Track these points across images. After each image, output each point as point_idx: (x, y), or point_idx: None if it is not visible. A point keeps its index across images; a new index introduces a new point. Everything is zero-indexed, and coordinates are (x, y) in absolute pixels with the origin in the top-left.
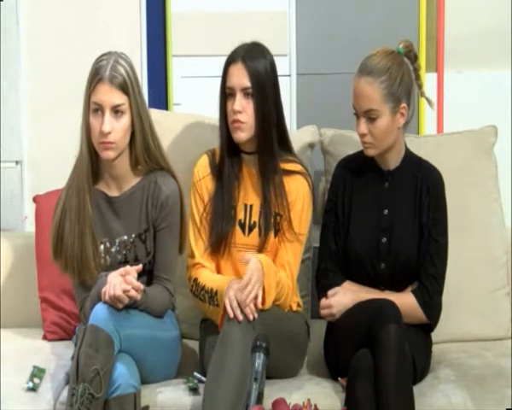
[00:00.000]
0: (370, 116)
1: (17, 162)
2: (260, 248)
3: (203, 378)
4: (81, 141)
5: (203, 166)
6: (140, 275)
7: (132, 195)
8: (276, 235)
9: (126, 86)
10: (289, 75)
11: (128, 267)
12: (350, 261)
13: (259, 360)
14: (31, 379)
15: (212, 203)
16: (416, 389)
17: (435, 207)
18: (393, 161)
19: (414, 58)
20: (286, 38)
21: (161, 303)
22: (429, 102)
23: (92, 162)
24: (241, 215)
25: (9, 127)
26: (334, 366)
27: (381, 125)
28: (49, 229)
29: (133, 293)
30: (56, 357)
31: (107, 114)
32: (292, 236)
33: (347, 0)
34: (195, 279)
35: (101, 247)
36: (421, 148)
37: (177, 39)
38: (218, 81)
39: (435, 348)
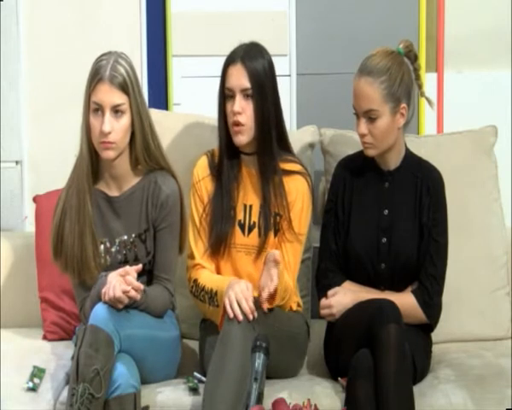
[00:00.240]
0: (370, 116)
1: (17, 162)
2: (260, 249)
3: (203, 378)
4: (81, 141)
5: (202, 167)
6: (140, 275)
7: (132, 194)
8: (275, 235)
9: (126, 86)
10: (289, 75)
11: (128, 267)
12: (350, 261)
13: (259, 360)
14: (31, 379)
15: (212, 204)
16: (416, 389)
17: (435, 207)
18: (393, 161)
19: (414, 58)
20: (286, 38)
21: (161, 303)
22: (429, 102)
23: (92, 162)
24: (240, 216)
25: (9, 127)
26: (334, 366)
27: (381, 126)
28: (49, 229)
29: (133, 293)
30: (56, 357)
31: (108, 113)
32: (292, 236)
33: (347, 0)
34: (195, 280)
35: (101, 247)
36: (421, 148)
37: (177, 39)
38: (218, 81)
39: (435, 348)
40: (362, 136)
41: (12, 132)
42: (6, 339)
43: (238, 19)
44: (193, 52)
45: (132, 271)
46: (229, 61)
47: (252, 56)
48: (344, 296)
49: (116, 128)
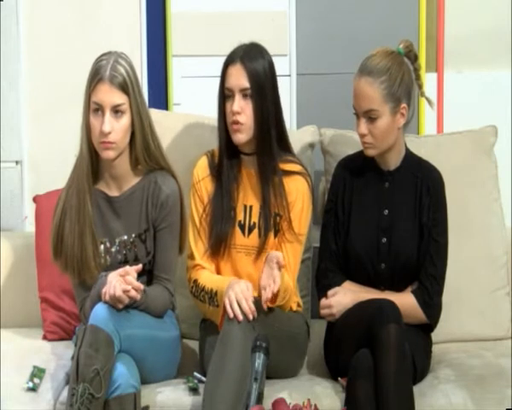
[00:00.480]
0: (370, 116)
1: (17, 162)
2: (260, 250)
3: (203, 378)
4: (81, 141)
5: (202, 168)
6: (140, 275)
7: (132, 194)
8: (275, 235)
9: (126, 86)
10: (289, 75)
11: (127, 267)
12: (350, 261)
13: (259, 360)
14: (31, 379)
15: (212, 204)
16: (416, 389)
17: (435, 207)
18: (393, 162)
19: (414, 58)
20: (286, 38)
21: (161, 303)
22: (429, 102)
23: (92, 162)
24: (240, 216)
25: (9, 127)
26: (334, 366)
27: (381, 126)
28: (49, 229)
29: (133, 293)
30: (56, 357)
31: (108, 113)
32: (292, 236)
33: (347, 0)
34: (195, 281)
35: (102, 247)
36: (421, 148)
37: (177, 39)
38: (218, 81)
39: (435, 348)
40: (362, 136)
41: (12, 132)
42: (6, 339)
43: (238, 19)
44: (193, 52)
45: (132, 271)
46: (229, 61)
47: (251, 57)
48: (344, 296)
49: (116, 128)
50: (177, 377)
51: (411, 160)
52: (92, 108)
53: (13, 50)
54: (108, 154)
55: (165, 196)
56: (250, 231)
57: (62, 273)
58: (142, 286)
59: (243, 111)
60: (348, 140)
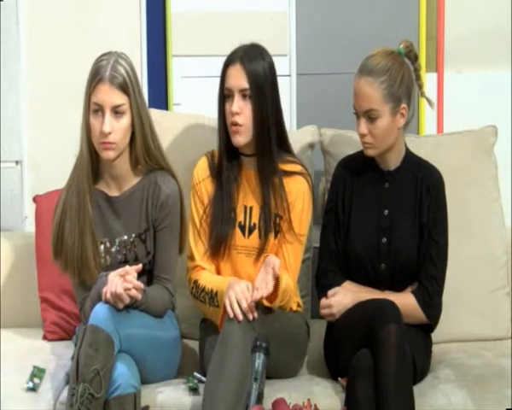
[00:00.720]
0: (370, 116)
1: (17, 162)
2: (260, 251)
3: (203, 378)
4: (81, 141)
5: (202, 169)
6: (140, 275)
7: (132, 194)
8: (276, 236)
9: (126, 86)
10: (289, 75)
11: (127, 267)
12: (350, 261)
13: (259, 360)
14: (31, 379)
15: (212, 206)
16: (416, 389)
17: (435, 207)
18: (393, 162)
19: (414, 58)
20: (286, 38)
21: (161, 303)
22: (430, 102)
23: (92, 162)
24: (240, 217)
25: (9, 127)
26: (334, 366)
27: (381, 126)
28: (49, 229)
29: (134, 292)
30: (56, 357)
31: (108, 114)
32: (292, 237)
33: (347, 0)
34: (195, 281)
35: (102, 247)
36: (421, 148)
37: (177, 39)
38: (218, 81)
39: (435, 348)
40: (362, 136)
41: (12, 132)
42: (6, 339)
43: (238, 19)
44: (193, 52)
45: (132, 270)
46: (229, 62)
47: (251, 57)
48: (344, 296)
49: (116, 128)
50: (177, 377)
51: (411, 160)
52: (92, 109)
53: (13, 50)
54: (108, 154)
55: (165, 196)
56: (250, 232)
57: (62, 273)
58: (142, 285)
59: (242, 112)
60: (348, 140)
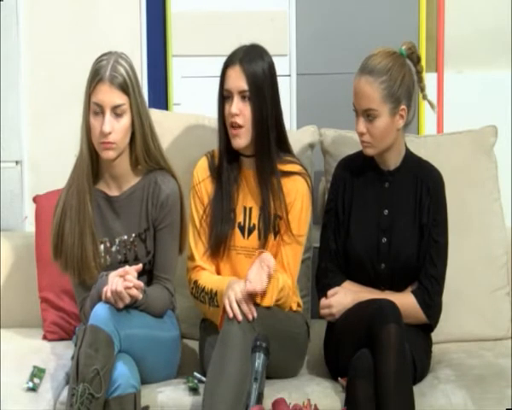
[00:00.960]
0: (369, 115)
1: (17, 162)
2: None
3: (203, 378)
4: (81, 141)
5: (202, 169)
6: (140, 275)
7: (132, 194)
8: (275, 237)
9: (126, 86)
10: (289, 75)
11: (127, 267)
12: (350, 261)
13: (259, 360)
14: (31, 379)
15: (212, 206)
16: (416, 389)
17: (435, 207)
18: (393, 162)
19: (416, 60)
20: (286, 38)
21: (161, 303)
22: (431, 104)
23: (92, 162)
24: (240, 218)
25: (9, 127)
26: (334, 366)
27: (380, 126)
28: (49, 229)
29: (134, 292)
30: (56, 357)
31: (108, 114)
32: (290, 238)
33: (347, 0)
34: (195, 282)
35: (102, 246)
36: (421, 148)
37: (177, 39)
38: (218, 81)
39: (435, 348)
40: (360, 134)
41: (12, 132)
42: (6, 339)
43: (238, 19)
44: (193, 52)
45: (132, 270)
46: (228, 63)
47: (251, 58)
48: (344, 296)
49: (116, 128)
50: (177, 377)
51: (411, 160)
52: (92, 109)
53: (13, 50)
54: (109, 154)
55: (165, 195)
56: (250, 232)
57: (62, 273)
58: (142, 285)
59: (242, 113)
60: (348, 140)
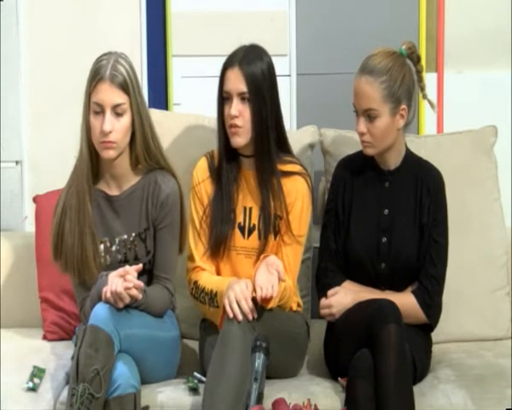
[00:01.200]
0: (369, 115)
1: (17, 162)
2: (260, 251)
3: (203, 378)
4: (81, 141)
5: (202, 169)
6: (140, 274)
7: (132, 194)
8: (275, 237)
9: (127, 86)
10: (289, 75)
11: (127, 267)
12: (350, 261)
13: (259, 360)
14: (31, 379)
15: (212, 206)
16: (416, 389)
17: (435, 207)
18: (393, 162)
19: (416, 60)
20: (286, 38)
21: (161, 303)
22: (431, 104)
23: (92, 162)
24: (240, 218)
25: (9, 127)
26: (334, 366)
27: (380, 125)
28: (49, 229)
29: (135, 292)
30: (56, 357)
31: (108, 113)
32: (290, 238)
33: (347, 0)
34: (195, 282)
35: (102, 246)
36: (421, 148)
37: (177, 39)
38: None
39: (435, 348)
40: (361, 134)
41: (12, 132)
42: (6, 339)
43: (238, 19)
44: (193, 52)
45: (132, 270)
46: (227, 64)
47: (250, 60)
48: (344, 296)
49: (116, 128)
50: (177, 377)
51: (411, 160)
52: (93, 108)
53: (13, 50)
54: (109, 153)
55: (165, 195)
56: (250, 233)
57: (62, 273)
58: (142, 285)
59: (241, 114)
60: (348, 140)
